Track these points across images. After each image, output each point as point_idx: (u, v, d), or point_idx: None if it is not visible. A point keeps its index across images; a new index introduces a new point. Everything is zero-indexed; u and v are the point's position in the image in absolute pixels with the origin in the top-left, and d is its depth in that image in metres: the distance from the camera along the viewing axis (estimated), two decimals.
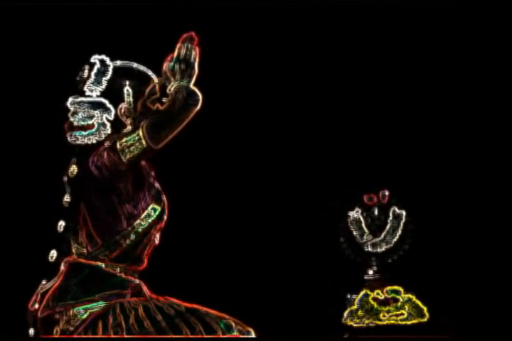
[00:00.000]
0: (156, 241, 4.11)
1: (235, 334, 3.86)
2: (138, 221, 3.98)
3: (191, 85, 3.92)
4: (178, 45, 3.94)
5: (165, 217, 4.12)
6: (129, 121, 4.08)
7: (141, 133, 3.87)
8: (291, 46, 7.58)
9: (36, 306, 3.96)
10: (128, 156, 3.88)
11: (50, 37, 6.11)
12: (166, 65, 3.96)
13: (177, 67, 3.91)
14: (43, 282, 4.03)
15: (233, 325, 3.89)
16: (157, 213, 4.04)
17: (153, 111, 4.03)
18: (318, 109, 7.87)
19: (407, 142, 8.05)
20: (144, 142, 3.86)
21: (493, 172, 7.89)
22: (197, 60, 3.94)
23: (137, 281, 4.00)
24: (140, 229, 3.99)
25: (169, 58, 3.97)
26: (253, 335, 3.95)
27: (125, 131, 4.05)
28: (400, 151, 8.01)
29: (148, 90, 4.14)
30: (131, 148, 3.88)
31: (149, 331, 3.77)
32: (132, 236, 3.97)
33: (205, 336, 3.80)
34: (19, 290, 4.39)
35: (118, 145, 3.90)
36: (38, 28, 6.12)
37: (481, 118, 7.88)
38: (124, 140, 3.91)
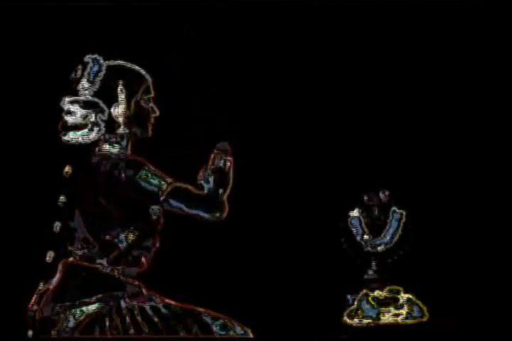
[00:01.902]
0: (157, 244, 4.10)
1: (232, 334, 3.86)
2: (134, 224, 3.97)
3: (225, 196, 3.97)
4: (212, 156, 3.95)
5: (162, 220, 4.10)
6: (122, 121, 4.08)
7: (164, 187, 3.91)
8: (293, 47, 7.58)
9: (35, 307, 3.96)
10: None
11: (43, 36, 6.09)
12: (201, 176, 3.97)
13: (211, 178, 3.94)
14: (41, 283, 4.02)
15: (230, 325, 3.89)
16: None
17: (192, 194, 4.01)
18: (319, 109, 7.86)
19: (408, 142, 8.04)
20: (160, 193, 3.90)
21: (493, 172, 7.89)
22: (231, 170, 3.96)
23: (136, 283, 3.98)
24: (137, 232, 3.98)
25: (203, 168, 3.98)
26: (251, 336, 3.95)
27: (120, 130, 4.04)
28: (400, 151, 8.00)
29: (141, 89, 4.15)
30: (149, 180, 3.91)
31: (146, 333, 3.77)
32: (129, 239, 3.96)
33: (202, 336, 3.81)
34: (16, 292, 4.39)
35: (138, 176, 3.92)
36: (30, 28, 6.10)
37: (482, 119, 7.88)
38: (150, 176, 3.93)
